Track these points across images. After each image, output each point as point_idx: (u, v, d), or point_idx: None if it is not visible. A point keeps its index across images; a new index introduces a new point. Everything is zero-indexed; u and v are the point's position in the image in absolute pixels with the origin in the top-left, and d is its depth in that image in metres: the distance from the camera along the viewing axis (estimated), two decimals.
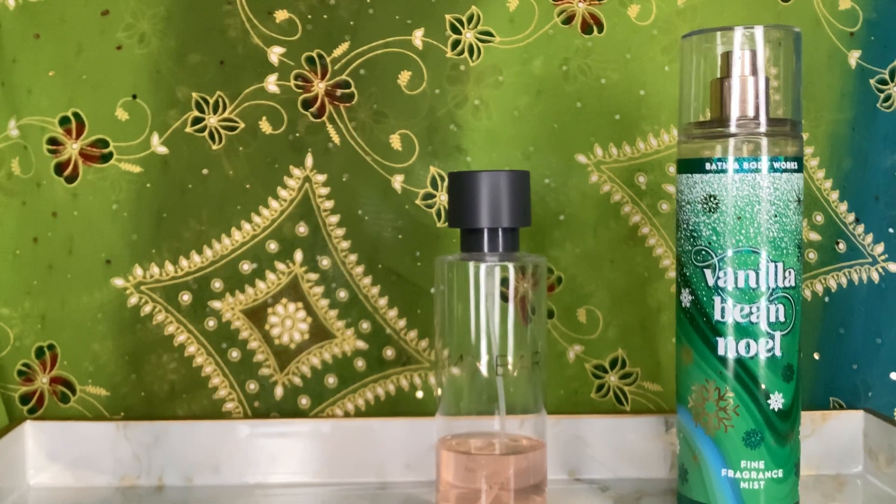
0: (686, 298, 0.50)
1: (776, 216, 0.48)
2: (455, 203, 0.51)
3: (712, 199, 0.49)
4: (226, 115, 0.61)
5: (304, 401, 0.62)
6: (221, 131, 0.61)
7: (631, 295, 0.63)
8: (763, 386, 0.49)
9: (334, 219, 0.62)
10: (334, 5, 0.61)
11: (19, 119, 0.61)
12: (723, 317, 0.49)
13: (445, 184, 0.61)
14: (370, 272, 0.62)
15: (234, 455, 0.58)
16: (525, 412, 0.52)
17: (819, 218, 0.63)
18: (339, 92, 0.61)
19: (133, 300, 0.61)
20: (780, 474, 0.49)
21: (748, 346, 0.48)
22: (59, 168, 0.61)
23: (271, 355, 0.62)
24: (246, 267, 0.61)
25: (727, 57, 0.49)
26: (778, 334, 0.49)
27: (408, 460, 0.59)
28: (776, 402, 0.49)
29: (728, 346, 0.49)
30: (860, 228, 0.64)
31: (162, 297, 0.61)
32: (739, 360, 0.49)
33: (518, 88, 0.62)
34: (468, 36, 0.62)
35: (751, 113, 0.49)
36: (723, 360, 0.49)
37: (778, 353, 0.49)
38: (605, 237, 0.63)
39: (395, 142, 0.62)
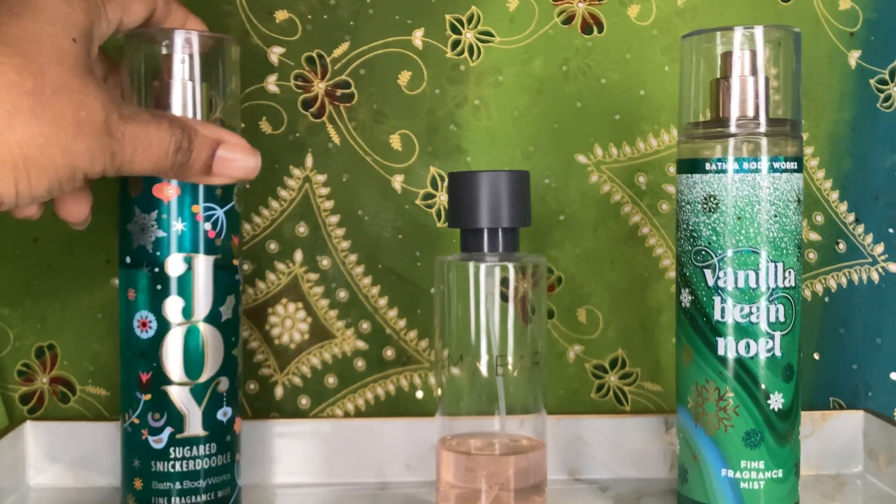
0: (686, 298, 0.50)
1: (776, 216, 0.48)
2: (455, 203, 0.51)
3: (712, 199, 0.49)
4: None
5: (304, 401, 0.62)
6: None
7: (631, 295, 0.63)
8: (763, 386, 0.49)
9: (334, 219, 0.62)
10: (334, 5, 0.61)
11: None
12: (723, 317, 0.49)
13: (445, 184, 0.62)
14: (370, 272, 0.62)
15: None
16: (525, 412, 0.52)
17: (819, 218, 0.63)
18: (339, 92, 0.61)
19: None
20: (780, 474, 0.49)
21: (748, 346, 0.49)
22: None
23: (271, 355, 0.62)
24: (246, 267, 0.61)
25: (727, 57, 0.49)
26: (778, 334, 0.49)
27: (408, 460, 0.59)
28: (776, 402, 0.49)
29: (728, 347, 0.49)
30: (860, 228, 0.64)
31: None
32: (739, 360, 0.49)
33: (518, 88, 0.62)
34: (468, 36, 0.62)
35: (751, 113, 0.49)
36: (723, 360, 0.49)
37: (778, 353, 0.49)
38: (605, 237, 0.63)
39: (395, 142, 0.62)
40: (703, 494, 0.50)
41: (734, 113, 0.49)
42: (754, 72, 0.49)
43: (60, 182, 0.41)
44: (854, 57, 0.63)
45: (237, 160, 0.47)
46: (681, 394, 0.51)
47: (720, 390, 0.49)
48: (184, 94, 0.49)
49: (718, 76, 0.50)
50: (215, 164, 0.47)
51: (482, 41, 0.62)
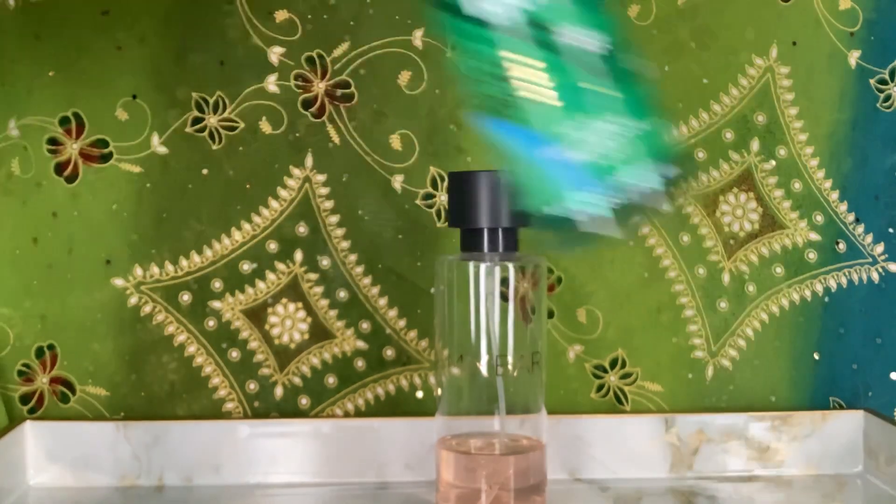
0: None
1: None
2: (455, 203, 0.51)
3: None
4: (226, 115, 0.61)
5: (304, 401, 0.62)
6: (221, 131, 0.61)
7: (631, 295, 0.63)
8: None
9: (334, 219, 0.62)
10: (334, 5, 0.61)
11: (19, 119, 0.61)
12: None
13: (445, 184, 0.61)
14: (370, 272, 0.62)
15: (234, 455, 0.58)
16: (525, 412, 0.52)
17: (819, 218, 0.63)
18: (339, 92, 0.61)
19: (133, 300, 0.61)
20: None
21: None
22: (59, 168, 0.61)
23: (271, 355, 0.62)
24: (246, 267, 0.61)
25: None
26: None
27: (408, 460, 0.59)
28: None
29: None
30: (860, 228, 0.64)
31: (162, 297, 0.61)
32: None
33: None
34: None
35: None
36: None
37: None
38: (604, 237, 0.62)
39: (395, 142, 0.62)
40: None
41: None
42: None
43: None
44: (854, 57, 0.63)
45: None
46: None
47: None
48: None
49: None
50: None
51: None
